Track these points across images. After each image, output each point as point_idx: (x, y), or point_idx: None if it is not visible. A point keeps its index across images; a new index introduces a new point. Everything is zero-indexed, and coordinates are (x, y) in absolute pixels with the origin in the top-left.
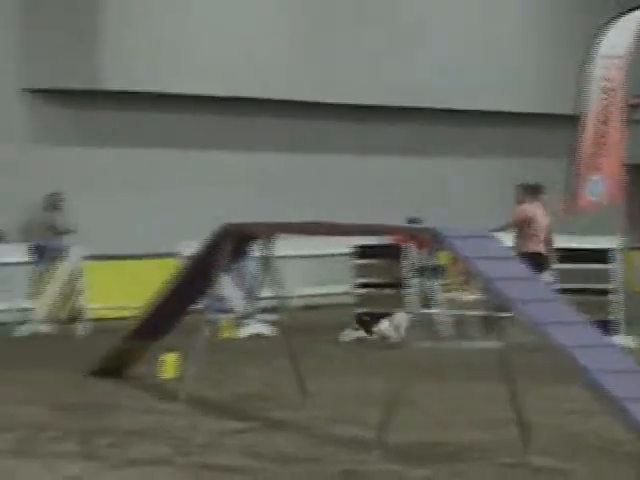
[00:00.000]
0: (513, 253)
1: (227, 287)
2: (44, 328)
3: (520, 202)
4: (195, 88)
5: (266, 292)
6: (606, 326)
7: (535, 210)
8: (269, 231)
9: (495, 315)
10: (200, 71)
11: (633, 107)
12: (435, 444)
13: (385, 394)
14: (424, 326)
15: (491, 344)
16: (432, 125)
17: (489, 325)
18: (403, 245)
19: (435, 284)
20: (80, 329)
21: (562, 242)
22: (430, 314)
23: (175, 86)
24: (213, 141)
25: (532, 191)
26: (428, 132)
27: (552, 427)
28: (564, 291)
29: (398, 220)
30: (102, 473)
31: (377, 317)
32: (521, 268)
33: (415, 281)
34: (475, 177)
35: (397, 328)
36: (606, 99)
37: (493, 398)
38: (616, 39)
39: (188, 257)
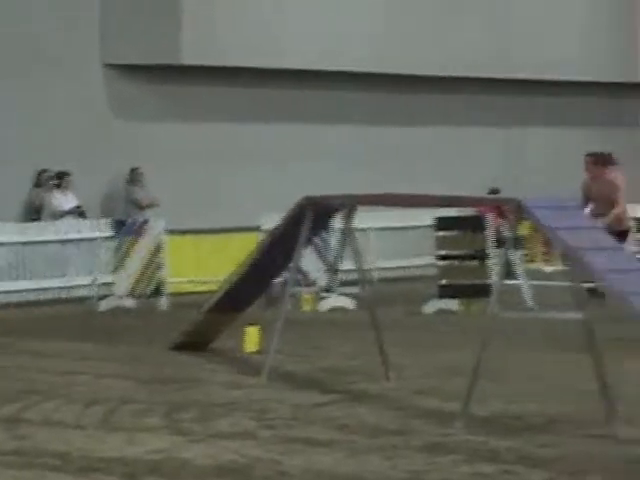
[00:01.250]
0: (597, 223)
1: (308, 260)
2: (126, 302)
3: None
4: (275, 62)
5: (347, 265)
6: None
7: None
8: (349, 203)
9: (579, 286)
10: (277, 45)
11: None
12: (520, 415)
13: (469, 365)
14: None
15: (575, 315)
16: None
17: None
18: (485, 216)
19: (517, 255)
20: (162, 303)
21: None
22: (513, 285)
23: (254, 60)
24: (293, 115)
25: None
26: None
27: (638, 398)
28: None
29: (476, 191)
30: (187, 447)
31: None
32: (605, 238)
33: (497, 252)
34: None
35: None
36: None
37: (578, 369)
38: None
39: (269, 231)
